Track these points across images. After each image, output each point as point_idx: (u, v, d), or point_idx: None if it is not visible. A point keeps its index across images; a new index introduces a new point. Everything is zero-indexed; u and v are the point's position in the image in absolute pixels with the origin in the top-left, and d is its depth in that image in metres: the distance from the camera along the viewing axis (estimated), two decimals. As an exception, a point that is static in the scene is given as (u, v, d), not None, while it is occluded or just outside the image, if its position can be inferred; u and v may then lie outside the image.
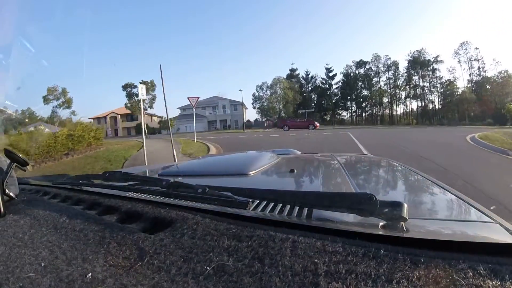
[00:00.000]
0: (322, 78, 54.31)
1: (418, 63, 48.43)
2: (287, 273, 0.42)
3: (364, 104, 52.41)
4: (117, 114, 47.77)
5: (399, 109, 53.48)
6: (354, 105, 53.22)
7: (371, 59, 52.44)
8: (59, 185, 1.16)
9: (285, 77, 47.87)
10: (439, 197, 0.93)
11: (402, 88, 50.52)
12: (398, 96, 51.91)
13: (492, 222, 0.63)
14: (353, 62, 54.04)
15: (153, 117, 51.60)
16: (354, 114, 54.21)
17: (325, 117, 53.79)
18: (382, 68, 51.75)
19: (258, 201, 0.73)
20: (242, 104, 44.39)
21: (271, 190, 0.84)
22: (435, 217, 0.73)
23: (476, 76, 46.00)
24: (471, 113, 41.87)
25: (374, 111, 53.73)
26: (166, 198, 0.81)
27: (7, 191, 0.89)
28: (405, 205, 0.56)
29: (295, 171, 1.24)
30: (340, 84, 53.15)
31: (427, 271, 0.39)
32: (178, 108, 49.84)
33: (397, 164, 1.58)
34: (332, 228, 0.55)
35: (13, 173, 0.95)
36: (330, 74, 54.16)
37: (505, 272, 0.38)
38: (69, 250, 0.57)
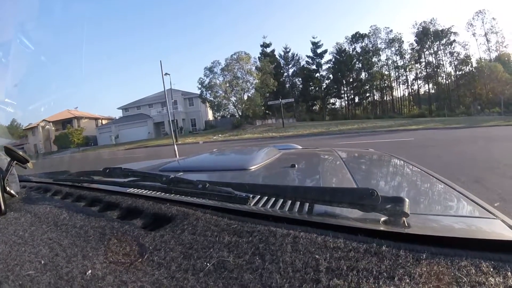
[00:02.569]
0: (308, 57, 48.00)
1: (429, 35, 44.71)
2: (288, 269, 0.44)
3: (362, 90, 48.64)
4: (49, 122, 41.57)
5: (405, 93, 49.65)
6: (350, 91, 49.45)
7: (369, 32, 47.72)
8: (60, 182, 1.26)
9: (252, 54, 38.96)
10: (442, 193, 1.01)
11: (409, 67, 47.13)
12: (404, 78, 48.33)
13: (495, 218, 0.68)
14: (345, 39, 49.01)
15: (100, 120, 46.18)
16: (350, 102, 50.73)
17: (314, 108, 41.58)
18: (382, 45, 47.55)
19: (258, 196, 0.79)
20: (201, 96, 37.08)
21: (272, 185, 0.90)
22: (437, 213, 0.79)
23: (496, 51, 43.12)
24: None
25: (376, 98, 49.73)
26: (167, 194, 0.87)
27: (8, 188, 0.96)
28: (407, 201, 0.58)
29: (296, 166, 1.34)
30: (332, 64, 47.84)
31: (429, 268, 0.41)
32: (118, 108, 43.97)
33: (399, 159, 1.67)
34: (333, 224, 0.58)
35: (13, 171, 1.02)
36: (318, 51, 47.95)
37: (507, 268, 0.40)
38: (69, 247, 0.61)
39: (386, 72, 46.81)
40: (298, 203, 0.74)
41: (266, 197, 0.79)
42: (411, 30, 48.23)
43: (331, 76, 47.01)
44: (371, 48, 46.02)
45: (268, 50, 45.84)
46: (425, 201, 0.90)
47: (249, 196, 0.72)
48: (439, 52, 44.01)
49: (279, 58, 46.44)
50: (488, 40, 42.55)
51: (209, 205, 0.73)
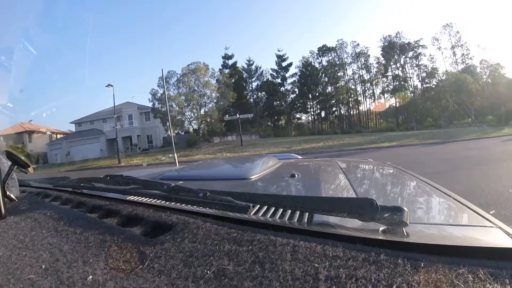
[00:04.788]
0: (273, 70, 48.97)
1: (396, 48, 47.24)
2: (287, 277, 0.46)
3: (328, 104, 49.84)
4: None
5: (371, 107, 50.93)
6: (316, 105, 50.31)
7: (336, 46, 49.41)
8: (60, 187, 1.32)
9: (214, 66, 40.79)
10: (440, 202, 1.06)
11: (375, 81, 49.21)
12: (370, 92, 49.97)
13: (492, 227, 0.71)
14: (310, 53, 50.17)
15: (55, 135, 43.75)
16: (317, 117, 51.75)
17: (279, 123, 41.68)
18: (348, 59, 49.29)
19: (259, 205, 0.82)
20: (153, 110, 36.02)
21: (272, 194, 0.96)
22: (436, 222, 0.83)
23: (462, 64, 46.23)
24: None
25: (342, 112, 51.02)
26: (167, 202, 0.92)
27: (8, 193, 1.00)
28: (406, 210, 0.61)
29: (296, 176, 1.42)
30: (298, 77, 48.77)
31: (427, 276, 0.43)
32: (71, 123, 42.41)
33: (397, 169, 1.75)
34: (332, 233, 0.61)
35: (14, 175, 1.06)
36: (284, 64, 49.11)
37: (505, 276, 0.41)
38: (70, 253, 0.64)
39: (353, 86, 49.18)
40: (297, 213, 0.77)
41: (266, 206, 0.83)
42: (377, 44, 50.40)
43: (296, 90, 48.59)
44: (337, 62, 48.28)
45: (230, 62, 46.56)
46: (423, 210, 0.95)
47: (249, 205, 0.76)
48: (406, 65, 47.15)
49: (242, 71, 47.17)
50: (454, 53, 46.01)
51: (210, 214, 0.78)
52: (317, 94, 48.20)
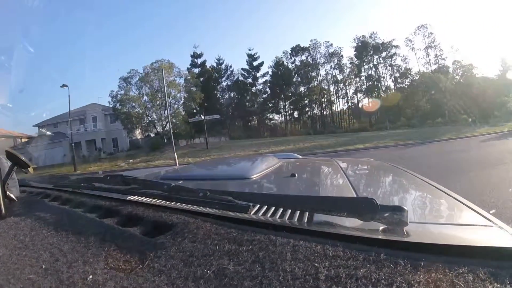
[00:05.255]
0: (244, 70, 48.39)
1: (370, 48, 47.61)
2: (287, 277, 0.47)
3: (301, 104, 49.59)
4: None
5: (345, 107, 51.43)
6: (289, 106, 43.43)
7: (309, 46, 49.20)
8: (60, 187, 1.35)
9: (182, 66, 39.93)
10: (440, 201, 1.08)
11: (349, 81, 49.83)
12: (343, 92, 50.53)
13: (492, 226, 0.72)
14: (284, 53, 49.79)
15: (20, 139, 38.75)
16: (289, 117, 51.74)
17: (251, 124, 40.98)
18: (322, 59, 49.27)
19: (259, 205, 0.84)
20: (114, 111, 34.38)
21: (272, 194, 1.02)
22: (436, 221, 0.85)
23: (435, 64, 47.12)
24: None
25: (316, 112, 51.11)
26: (167, 202, 0.94)
27: (8, 193, 1.02)
28: (406, 210, 0.62)
29: (296, 175, 1.45)
30: (269, 77, 48.52)
31: (427, 275, 0.44)
32: (34, 126, 39.32)
33: (397, 168, 1.80)
34: (332, 233, 0.63)
35: (14, 175, 1.08)
36: (255, 63, 48.53)
37: (505, 275, 0.42)
38: (70, 253, 0.65)
39: (326, 86, 49.77)
40: (298, 212, 0.79)
41: (266, 206, 0.85)
42: (351, 44, 51.62)
43: (268, 90, 48.44)
44: (311, 62, 48.71)
45: (200, 61, 45.84)
46: (424, 210, 0.98)
47: (249, 205, 0.79)
48: (380, 66, 48.18)
49: (211, 70, 46.31)
50: (427, 54, 47.23)
51: (210, 214, 0.80)
52: (289, 94, 48.34)
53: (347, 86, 49.55)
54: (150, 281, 0.52)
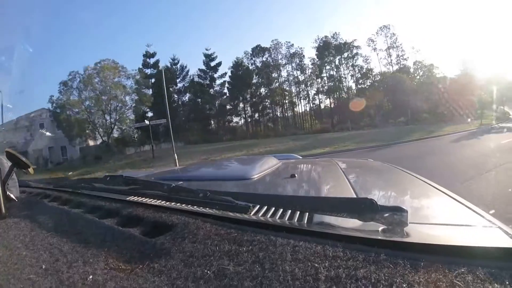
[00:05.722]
0: (201, 70, 46.59)
1: (331, 49, 47.16)
2: (287, 277, 0.47)
3: (261, 106, 48.76)
4: None
5: (307, 108, 50.59)
6: (249, 108, 43.84)
7: (270, 47, 48.35)
8: (60, 188, 1.34)
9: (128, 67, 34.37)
10: (439, 202, 1.09)
11: (310, 82, 49.48)
12: (305, 93, 49.83)
13: (492, 227, 0.73)
14: (245, 54, 48.33)
15: None
16: (249, 119, 50.59)
17: (210, 127, 38.80)
18: (283, 60, 48.37)
19: (258, 205, 0.86)
20: (56, 118, 31.51)
21: (272, 195, 1.02)
22: (435, 222, 0.87)
23: (396, 65, 47.44)
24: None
25: (278, 114, 50.47)
26: (167, 203, 0.96)
27: (8, 193, 1.04)
28: (406, 210, 0.64)
29: (296, 176, 1.48)
30: (229, 78, 46.90)
31: (427, 276, 0.44)
32: None
33: (397, 169, 1.82)
34: (332, 233, 0.64)
35: (14, 175, 1.09)
36: (212, 64, 46.96)
37: (505, 276, 0.43)
38: (70, 253, 0.66)
39: (288, 88, 49.77)
40: (297, 213, 0.80)
41: (266, 206, 0.86)
42: (313, 45, 51.13)
43: (226, 91, 47.51)
44: (271, 63, 48.38)
45: (152, 60, 43.47)
46: (423, 210, 1.00)
47: (249, 205, 0.81)
48: (342, 66, 48.82)
49: (166, 70, 43.46)
50: (389, 54, 48.27)
51: (210, 214, 0.82)
52: (249, 96, 47.66)
53: (309, 87, 49.87)
54: (150, 281, 0.52)
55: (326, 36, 48.26)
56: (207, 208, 0.86)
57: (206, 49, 46.57)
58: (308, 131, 43.12)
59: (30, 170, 1.14)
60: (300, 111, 50.97)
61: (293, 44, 48.52)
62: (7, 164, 1.06)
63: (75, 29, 65.13)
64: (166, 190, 1.00)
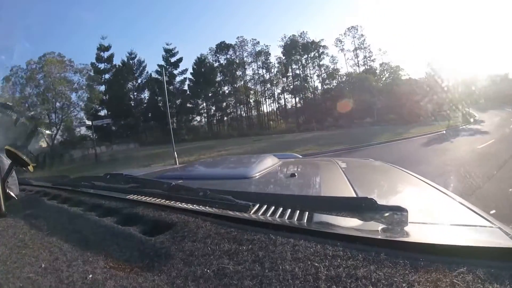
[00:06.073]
0: (160, 66, 42.80)
1: (298, 47, 46.43)
2: (287, 276, 0.48)
3: (224, 105, 47.37)
4: None
5: (272, 107, 49.84)
6: (212, 106, 40.04)
7: (235, 44, 47.10)
8: (60, 186, 1.34)
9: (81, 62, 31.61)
10: (439, 202, 1.10)
11: (275, 81, 48.90)
12: (270, 92, 49.33)
13: (492, 227, 0.75)
14: (210, 50, 46.55)
15: None
16: (212, 118, 48.82)
17: (168, 126, 36.42)
18: (249, 58, 47.32)
19: (258, 204, 0.87)
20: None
21: (272, 194, 1.06)
22: (435, 222, 0.87)
23: (363, 65, 47.76)
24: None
25: (242, 113, 49.15)
26: (167, 201, 0.97)
27: (8, 191, 1.05)
28: (406, 210, 0.65)
29: (296, 175, 1.50)
30: (191, 76, 44.77)
31: (427, 275, 0.45)
32: None
33: (397, 169, 1.84)
34: (332, 232, 0.65)
35: (14, 173, 1.10)
36: (173, 60, 44.59)
37: (505, 276, 0.44)
38: (70, 252, 0.67)
39: (253, 86, 49.17)
40: (297, 212, 0.82)
41: (266, 205, 0.87)
42: (279, 43, 50.75)
43: (186, 89, 45.59)
44: (236, 61, 47.49)
45: (107, 54, 40.28)
46: (423, 210, 0.98)
47: (249, 204, 0.83)
48: (308, 65, 49.08)
49: (122, 65, 41.35)
50: (357, 55, 48.94)
51: (210, 213, 0.83)
52: (211, 94, 46.23)
53: (274, 86, 49.67)
54: (150, 280, 0.53)
55: (293, 35, 48.16)
56: (207, 207, 0.87)
57: (167, 44, 44.54)
58: (274, 131, 42.82)
59: (30, 168, 1.13)
60: (267, 111, 50.65)
61: (259, 42, 48.27)
62: (7, 162, 1.05)
63: (26, 22, 60.29)
64: (166, 189, 1.01)
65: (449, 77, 37.02)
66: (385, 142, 19.17)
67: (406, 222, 0.63)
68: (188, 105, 45.39)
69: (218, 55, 46.95)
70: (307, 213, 0.79)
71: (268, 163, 1.83)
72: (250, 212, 0.80)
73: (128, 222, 0.83)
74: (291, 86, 48.91)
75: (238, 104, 47.87)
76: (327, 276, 0.48)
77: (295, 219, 0.77)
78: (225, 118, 48.02)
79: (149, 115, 42.80)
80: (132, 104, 42.17)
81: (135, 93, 43.39)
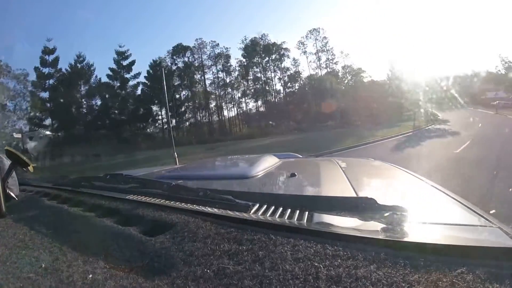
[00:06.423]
0: (111, 69, 41.12)
1: (259, 50, 45.68)
2: (287, 276, 0.49)
3: (182, 110, 45.52)
4: None
5: (232, 113, 48.57)
6: (170, 112, 37.21)
7: (194, 46, 45.14)
8: (60, 186, 1.33)
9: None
10: (439, 201, 1.11)
11: (236, 85, 47.34)
12: (230, 96, 47.85)
13: (492, 226, 0.75)
14: (167, 53, 44.53)
15: None
16: (168, 125, 39.77)
17: (122, 136, 34.34)
18: (209, 61, 45.47)
19: (258, 204, 0.88)
20: None
21: (272, 193, 1.05)
22: (435, 221, 0.86)
23: (325, 68, 47.11)
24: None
25: (200, 119, 46.86)
26: (167, 201, 0.97)
27: (8, 191, 1.05)
28: (406, 209, 0.67)
29: (296, 175, 1.49)
30: (146, 80, 42.13)
31: (427, 275, 0.46)
32: None
33: (398, 168, 1.82)
34: (332, 232, 0.65)
35: (14, 174, 1.09)
36: (125, 63, 41.87)
37: (505, 275, 0.45)
38: (70, 252, 0.68)
39: (213, 91, 47.97)
40: (297, 212, 0.83)
41: (266, 205, 0.89)
42: (240, 46, 49.35)
43: (142, 96, 43.10)
44: (195, 63, 46.22)
45: (51, 58, 37.15)
46: (423, 210, 0.99)
47: (249, 204, 0.84)
48: (269, 68, 48.76)
49: (69, 69, 38.39)
50: (319, 58, 48.86)
51: (210, 213, 0.84)
52: (168, 99, 42.40)
53: (235, 90, 48.65)
54: (150, 280, 0.54)
55: (255, 37, 47.43)
56: (207, 207, 0.87)
57: (120, 46, 41.66)
58: (235, 136, 41.87)
59: (30, 168, 1.13)
60: (229, 116, 49.33)
61: (218, 44, 46.95)
62: (7, 162, 1.05)
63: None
64: (166, 189, 1.01)
65: (410, 78, 38.03)
66: (348, 148, 17.36)
67: (406, 222, 0.65)
68: (142, 111, 43.01)
69: (175, 58, 45.06)
70: (307, 213, 0.80)
71: (268, 163, 1.82)
72: (250, 212, 0.81)
73: (128, 222, 0.84)
74: (252, 90, 47.93)
75: (197, 110, 46.30)
76: (327, 276, 0.48)
77: (295, 219, 0.78)
78: (183, 124, 45.89)
79: (99, 123, 39.71)
80: (84, 112, 39.35)
81: (83, 100, 40.06)
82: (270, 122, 44.47)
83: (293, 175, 1.48)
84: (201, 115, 47.23)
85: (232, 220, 0.75)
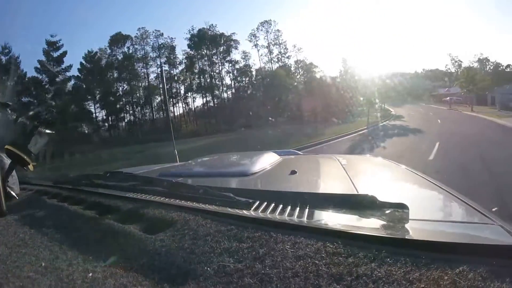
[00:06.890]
0: (40, 61, 36.80)
1: (206, 40, 43.04)
2: (288, 274, 0.49)
3: (120, 107, 41.82)
4: None
5: (178, 110, 45.80)
6: (106, 108, 44.01)
7: (136, 36, 41.87)
8: (60, 185, 1.34)
9: None
10: (441, 199, 1.12)
11: (182, 78, 44.57)
12: (175, 91, 44.70)
13: (493, 224, 0.75)
14: (109, 44, 40.99)
15: None
16: (105, 124, 43.06)
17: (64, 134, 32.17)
18: (153, 53, 42.42)
19: (259, 202, 0.88)
20: None
21: (272, 191, 1.02)
22: (436, 219, 0.89)
23: (277, 62, 45.52)
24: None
25: (141, 116, 43.93)
26: (167, 199, 0.97)
27: (8, 190, 1.06)
28: (407, 207, 0.66)
29: (297, 172, 1.49)
30: (79, 74, 38.48)
31: (428, 273, 0.46)
32: None
33: (398, 166, 1.85)
34: (333, 229, 0.66)
35: (14, 173, 1.11)
36: (56, 54, 37.40)
37: (506, 273, 0.45)
38: (70, 250, 0.68)
39: (157, 85, 45.30)
40: (298, 209, 0.84)
41: (266, 202, 0.89)
42: (186, 36, 46.98)
43: (74, 90, 39.49)
44: (137, 55, 43.47)
45: None
46: (424, 207, 1.00)
47: (249, 201, 0.85)
48: (217, 61, 47.03)
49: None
50: (270, 51, 47.88)
51: (210, 210, 0.85)
52: (103, 94, 40.97)
53: (180, 84, 46.75)
54: (150, 278, 0.54)
55: (203, 28, 45.42)
56: (208, 205, 0.87)
57: (51, 36, 37.33)
58: (179, 135, 39.33)
59: (30, 167, 1.13)
60: (175, 113, 46.75)
61: (162, 34, 44.59)
62: (7, 161, 1.05)
63: None
64: (166, 187, 1.01)
65: (363, 74, 38.61)
66: (300, 147, 14.14)
67: (407, 219, 0.65)
68: (73, 108, 38.99)
69: (113, 49, 41.52)
70: (307, 210, 0.80)
71: (269, 160, 1.82)
72: (250, 210, 0.82)
73: (128, 220, 0.84)
74: (197, 83, 45.83)
75: (137, 106, 43.39)
76: (328, 273, 0.48)
77: (296, 217, 0.78)
78: (118, 123, 42.69)
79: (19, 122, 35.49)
80: None
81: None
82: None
83: (293, 172, 1.46)
84: (144, 112, 44.50)
85: (232, 218, 0.76)
